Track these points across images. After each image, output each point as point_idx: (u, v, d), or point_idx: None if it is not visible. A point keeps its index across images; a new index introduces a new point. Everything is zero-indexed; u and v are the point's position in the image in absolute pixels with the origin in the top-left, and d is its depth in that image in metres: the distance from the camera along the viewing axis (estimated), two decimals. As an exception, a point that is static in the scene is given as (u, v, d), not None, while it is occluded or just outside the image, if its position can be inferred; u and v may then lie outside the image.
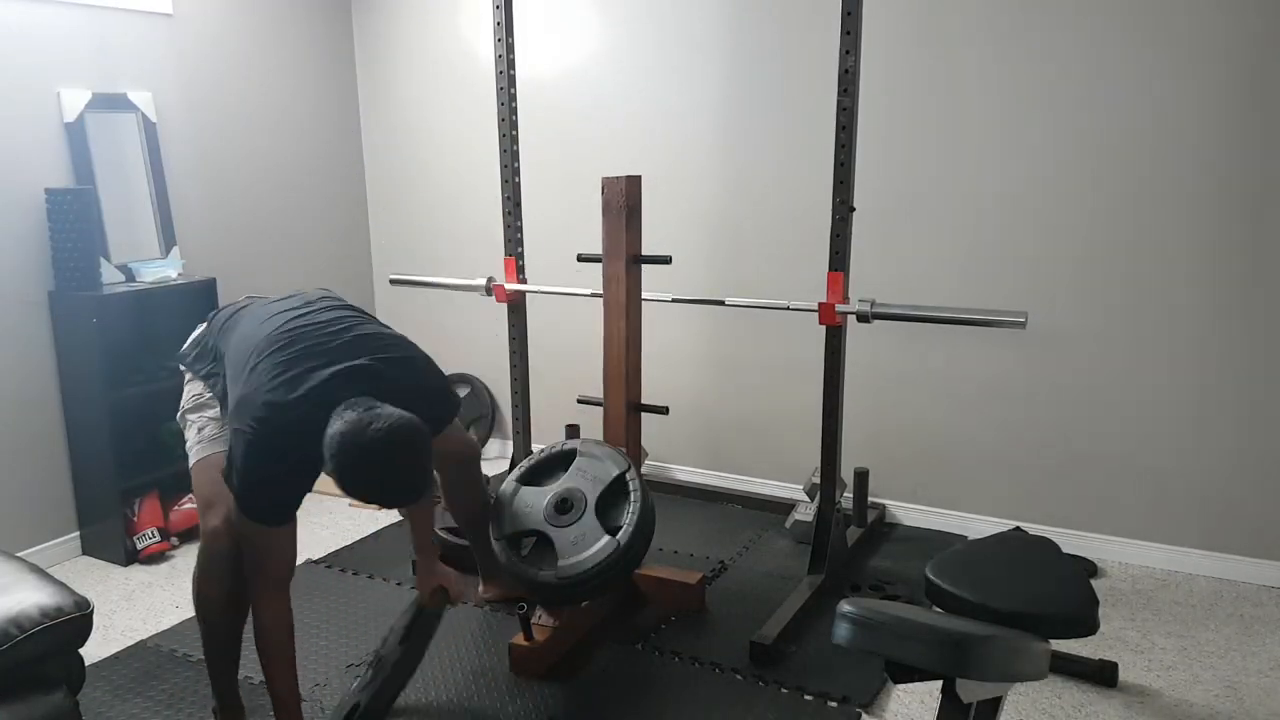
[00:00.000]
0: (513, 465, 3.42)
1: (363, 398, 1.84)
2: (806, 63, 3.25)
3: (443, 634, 2.67)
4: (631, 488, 2.48)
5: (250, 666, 2.53)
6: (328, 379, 1.88)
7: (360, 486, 1.81)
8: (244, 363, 1.97)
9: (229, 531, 2.03)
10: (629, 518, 2.43)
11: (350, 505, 3.69)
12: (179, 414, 2.25)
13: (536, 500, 2.49)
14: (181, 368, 2.29)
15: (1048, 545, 2.14)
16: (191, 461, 2.16)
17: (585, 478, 2.51)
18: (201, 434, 2.16)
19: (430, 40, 4.05)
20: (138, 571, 3.16)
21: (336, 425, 1.78)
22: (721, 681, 2.45)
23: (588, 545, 2.39)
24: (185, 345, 2.30)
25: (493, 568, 2.61)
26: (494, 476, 3.21)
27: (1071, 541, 3.08)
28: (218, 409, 2.16)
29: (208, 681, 2.45)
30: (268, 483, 1.89)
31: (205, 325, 2.29)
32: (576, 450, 2.57)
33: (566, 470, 2.55)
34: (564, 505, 2.48)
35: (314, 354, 1.93)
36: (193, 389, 2.24)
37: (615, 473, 2.50)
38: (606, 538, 2.39)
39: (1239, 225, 2.80)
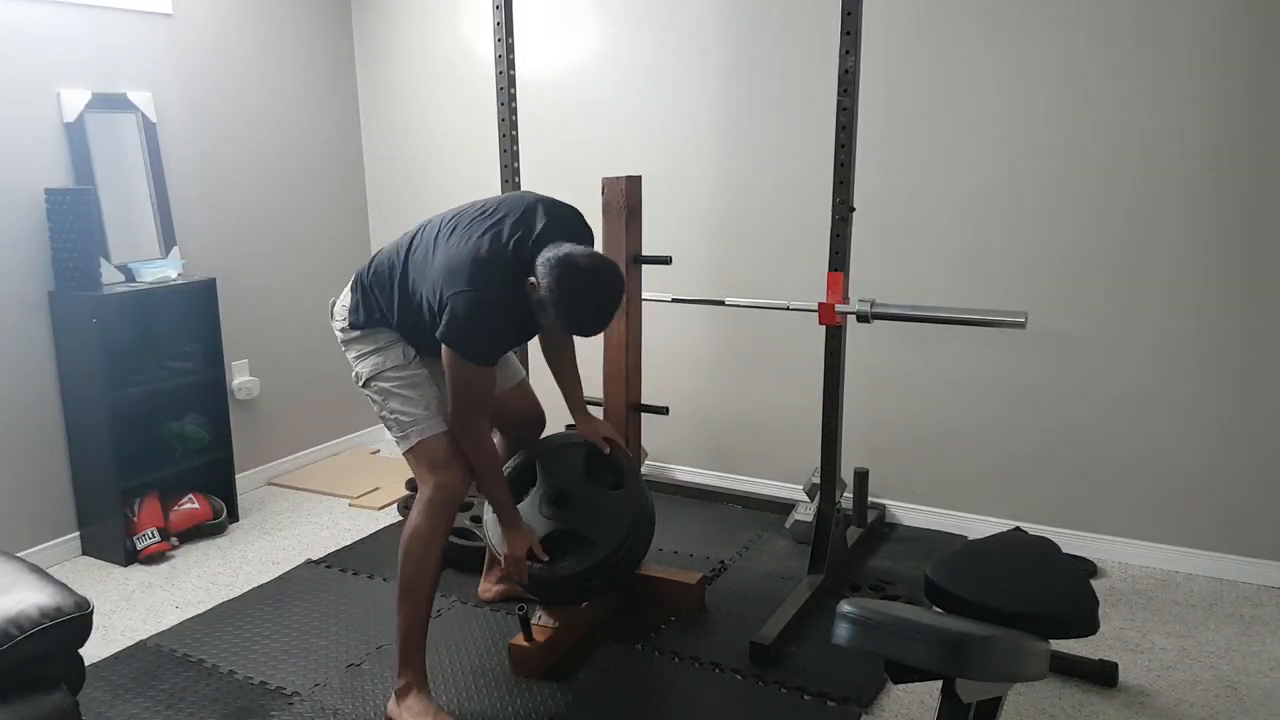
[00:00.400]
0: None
1: (562, 241, 2.16)
2: (806, 63, 3.25)
3: (442, 635, 2.68)
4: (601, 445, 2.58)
5: (250, 666, 2.53)
6: (524, 227, 2.19)
7: (579, 306, 2.10)
8: (435, 238, 2.25)
9: (465, 483, 2.32)
10: (621, 468, 2.53)
11: (350, 505, 3.69)
12: (371, 381, 2.34)
13: (530, 513, 2.49)
14: (356, 332, 2.36)
15: (1048, 545, 2.14)
16: (424, 435, 2.29)
17: (560, 470, 2.55)
18: (430, 409, 2.31)
19: (430, 40, 4.05)
20: (137, 572, 3.16)
21: (549, 253, 2.10)
22: (721, 681, 2.44)
23: (609, 507, 2.46)
24: (344, 310, 2.39)
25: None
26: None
27: (1071, 541, 3.08)
28: (434, 388, 2.34)
29: (207, 681, 2.46)
30: (490, 331, 2.17)
31: (353, 287, 2.39)
32: (532, 460, 2.61)
33: (534, 481, 2.58)
34: (561, 499, 2.50)
35: (510, 213, 2.22)
36: (384, 358, 2.33)
37: (582, 449, 2.57)
38: (618, 492, 2.49)
39: (1239, 226, 2.80)
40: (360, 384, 2.38)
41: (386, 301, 2.32)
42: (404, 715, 2.26)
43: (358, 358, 2.37)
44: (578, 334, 2.27)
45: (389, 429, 2.36)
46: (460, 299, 2.13)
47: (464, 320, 2.13)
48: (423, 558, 2.26)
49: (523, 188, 3.36)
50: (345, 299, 2.40)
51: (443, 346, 2.18)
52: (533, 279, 2.12)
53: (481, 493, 2.41)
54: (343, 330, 2.39)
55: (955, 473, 3.32)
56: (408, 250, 2.31)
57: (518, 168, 3.30)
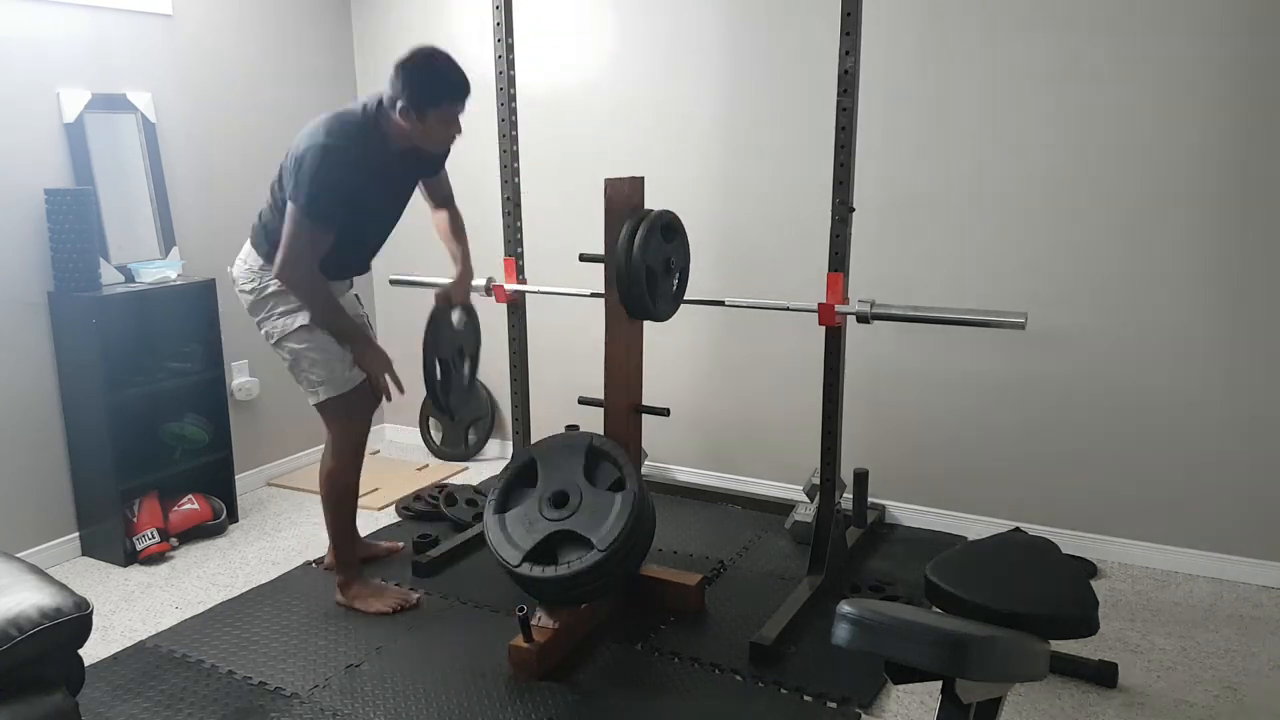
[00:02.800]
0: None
1: None
2: (806, 63, 3.25)
3: (441, 637, 2.68)
4: (605, 447, 2.58)
5: (250, 667, 2.53)
6: (366, 100, 2.52)
7: (434, 70, 2.42)
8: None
9: (366, 428, 2.80)
10: (622, 470, 2.53)
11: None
12: (282, 341, 2.64)
13: (530, 513, 2.50)
14: (269, 289, 2.61)
15: (1048, 545, 2.14)
16: (331, 394, 2.65)
17: (560, 470, 2.56)
18: (334, 371, 2.64)
19: (430, 41, 4.02)
20: (137, 572, 3.16)
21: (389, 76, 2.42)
22: (721, 682, 2.44)
23: (606, 510, 2.45)
24: (250, 272, 2.65)
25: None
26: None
27: (1071, 541, 3.08)
28: (340, 349, 2.64)
29: (207, 681, 2.46)
30: (336, 184, 2.38)
31: (254, 244, 2.67)
32: (534, 457, 2.61)
33: (535, 478, 2.57)
34: (560, 499, 2.50)
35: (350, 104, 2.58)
36: (293, 319, 2.61)
37: (582, 450, 2.57)
38: (617, 495, 2.47)
39: (1238, 225, 2.80)
40: (271, 343, 2.67)
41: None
42: (355, 600, 2.82)
43: (269, 318, 2.64)
44: (452, 95, 2.45)
45: (299, 382, 2.71)
46: (312, 150, 2.35)
47: (312, 174, 2.34)
48: (343, 488, 2.79)
49: (523, 189, 3.36)
50: (246, 261, 2.66)
51: (288, 206, 2.40)
52: (394, 104, 2.40)
53: (320, 324, 2.60)
54: (253, 290, 2.63)
55: (955, 473, 3.32)
56: (276, 186, 2.56)
57: (518, 168, 3.30)
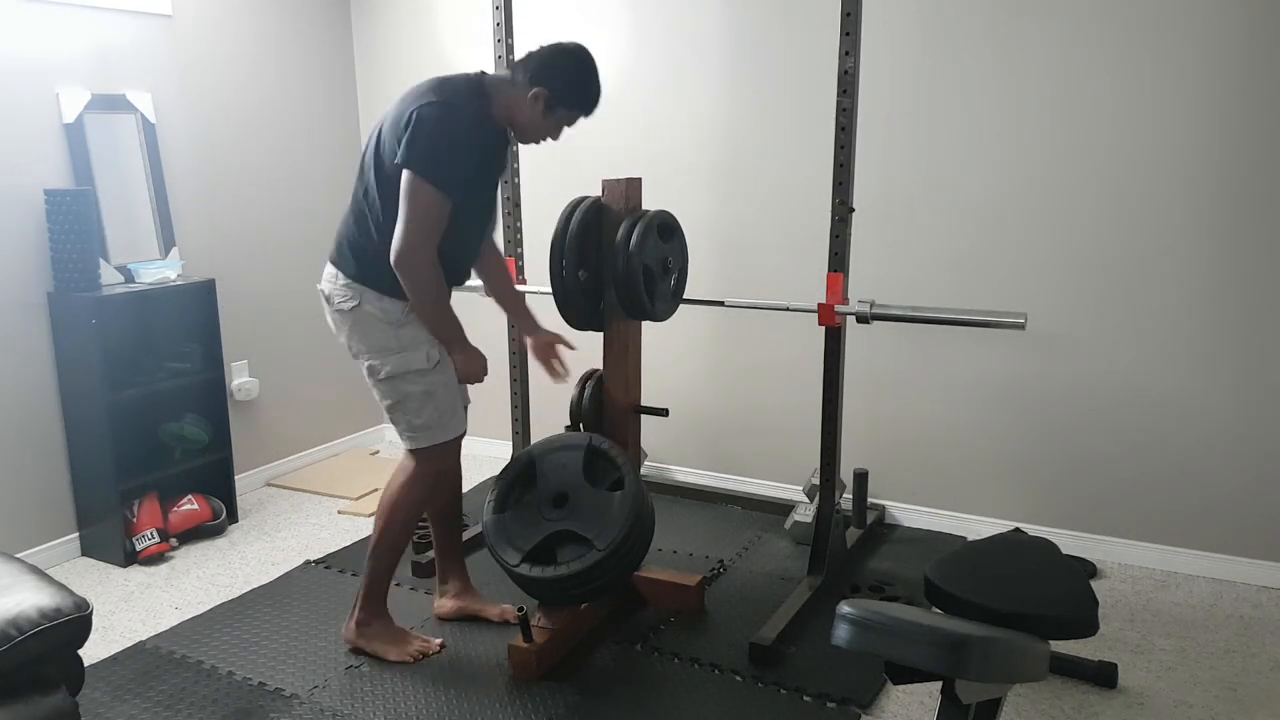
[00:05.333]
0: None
1: None
2: (806, 63, 3.25)
3: (441, 636, 2.68)
4: (604, 447, 2.57)
5: (249, 668, 2.53)
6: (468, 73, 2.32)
7: (596, 84, 2.35)
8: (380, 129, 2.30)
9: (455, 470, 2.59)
10: (621, 470, 2.52)
11: (339, 513, 3.69)
12: (392, 379, 2.33)
13: (529, 513, 2.50)
14: (375, 311, 2.32)
15: (1048, 546, 2.14)
16: (435, 441, 2.41)
17: (559, 470, 2.56)
18: (443, 416, 2.39)
19: (430, 41, 4.04)
20: (136, 573, 3.16)
21: (533, 57, 2.28)
22: (721, 682, 2.44)
23: (608, 509, 2.45)
24: (346, 290, 2.34)
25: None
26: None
27: (1071, 542, 3.08)
28: (448, 393, 2.40)
29: (206, 682, 2.46)
30: (457, 145, 2.15)
31: (338, 265, 2.37)
32: (533, 458, 2.61)
33: (534, 479, 2.58)
34: (559, 499, 2.50)
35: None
36: (408, 359, 2.32)
37: (581, 450, 2.57)
38: (617, 495, 2.47)
39: (1237, 226, 2.80)
40: (378, 378, 2.35)
41: (378, 252, 2.24)
42: (372, 643, 2.53)
43: (380, 350, 2.33)
44: (589, 108, 2.36)
45: (395, 422, 2.45)
46: (428, 108, 2.12)
47: (431, 131, 2.11)
48: (406, 524, 2.50)
49: (523, 189, 3.36)
50: (335, 281, 2.36)
51: (403, 174, 2.14)
52: (528, 83, 2.23)
53: (422, 319, 2.33)
54: (354, 309, 2.32)
55: (955, 473, 3.32)
56: (361, 180, 2.33)
57: (517, 168, 3.30)
